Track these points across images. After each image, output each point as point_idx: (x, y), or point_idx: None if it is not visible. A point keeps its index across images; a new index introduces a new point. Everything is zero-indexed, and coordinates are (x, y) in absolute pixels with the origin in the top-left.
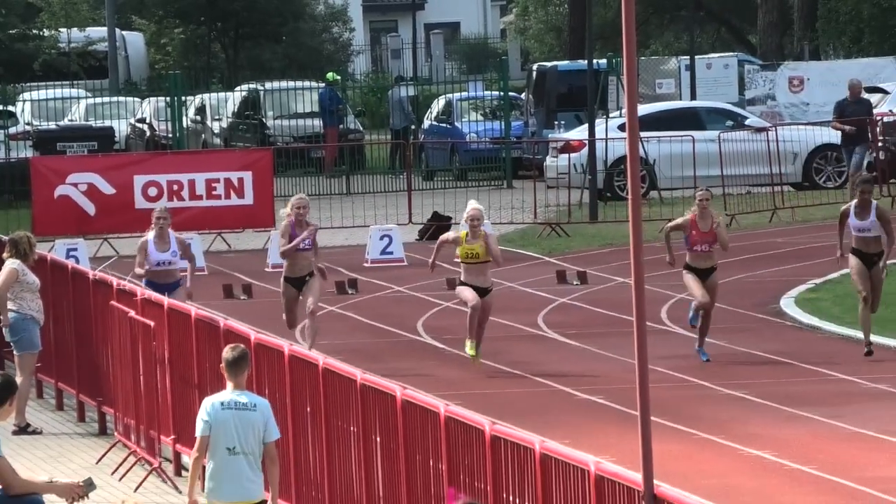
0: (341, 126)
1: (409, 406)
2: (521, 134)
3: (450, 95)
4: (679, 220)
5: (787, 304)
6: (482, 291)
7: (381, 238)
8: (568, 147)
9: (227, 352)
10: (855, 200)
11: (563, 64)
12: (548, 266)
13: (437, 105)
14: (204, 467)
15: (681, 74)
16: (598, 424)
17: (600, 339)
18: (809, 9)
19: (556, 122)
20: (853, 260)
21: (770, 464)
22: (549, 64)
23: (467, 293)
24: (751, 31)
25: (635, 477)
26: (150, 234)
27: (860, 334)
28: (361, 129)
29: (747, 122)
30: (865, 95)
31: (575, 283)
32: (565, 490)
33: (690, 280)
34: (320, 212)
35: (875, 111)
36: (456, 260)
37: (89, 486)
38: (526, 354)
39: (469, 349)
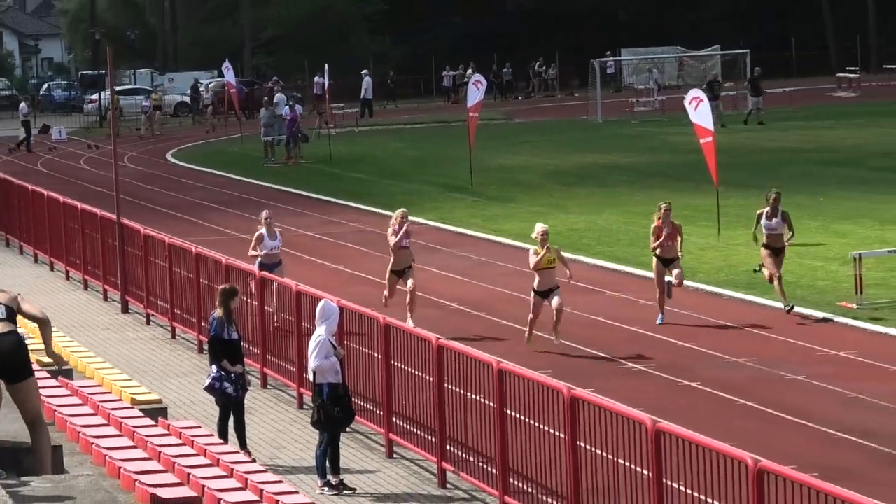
0: None
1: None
2: None
3: None
4: (652, 234)
5: (170, 156)
6: (554, 288)
7: None
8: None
9: None
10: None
11: None
12: (82, 143)
13: None
14: None
15: None
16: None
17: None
18: None
19: None
20: (765, 251)
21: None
22: None
23: (534, 308)
24: None
25: None
26: (263, 230)
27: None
28: None
29: None
30: None
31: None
32: None
33: (658, 269)
34: None
35: None
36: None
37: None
38: (88, 178)
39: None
